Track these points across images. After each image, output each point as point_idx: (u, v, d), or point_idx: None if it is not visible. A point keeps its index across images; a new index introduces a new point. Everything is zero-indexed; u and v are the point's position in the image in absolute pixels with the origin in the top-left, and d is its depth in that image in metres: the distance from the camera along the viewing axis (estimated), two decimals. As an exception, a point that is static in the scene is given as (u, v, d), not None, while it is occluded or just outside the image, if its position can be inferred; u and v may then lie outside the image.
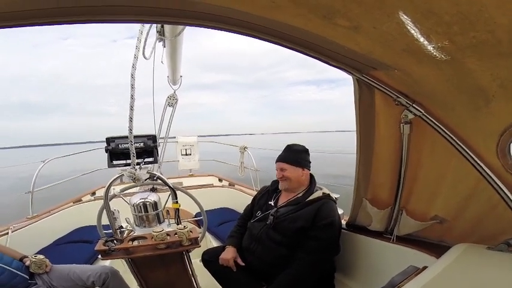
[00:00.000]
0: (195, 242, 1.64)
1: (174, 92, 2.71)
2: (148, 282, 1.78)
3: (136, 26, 1.57)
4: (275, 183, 1.94)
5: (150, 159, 2.02)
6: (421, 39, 0.81)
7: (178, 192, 1.81)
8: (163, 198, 1.83)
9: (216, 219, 3.11)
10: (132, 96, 1.48)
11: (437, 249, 1.44)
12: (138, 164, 1.71)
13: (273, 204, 1.86)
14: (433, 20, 0.73)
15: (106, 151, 1.90)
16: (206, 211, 1.94)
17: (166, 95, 2.76)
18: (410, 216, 1.58)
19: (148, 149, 1.98)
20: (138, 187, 2.30)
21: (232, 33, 1.05)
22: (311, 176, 1.86)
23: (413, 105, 1.22)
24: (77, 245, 2.67)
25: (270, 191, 1.97)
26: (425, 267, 1.27)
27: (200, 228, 2.38)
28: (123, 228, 1.75)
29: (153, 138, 2.01)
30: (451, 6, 0.67)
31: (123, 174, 1.73)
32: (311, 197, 1.72)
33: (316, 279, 1.64)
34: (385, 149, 1.48)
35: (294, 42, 1.08)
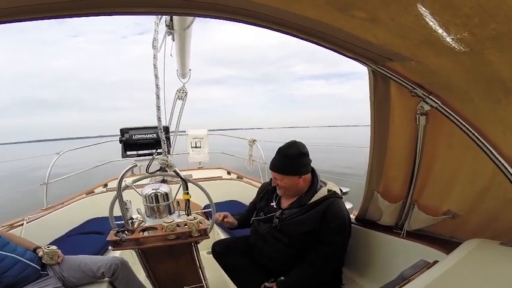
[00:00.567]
0: (204, 233, 1.66)
1: (184, 85, 2.73)
2: (156, 274, 1.80)
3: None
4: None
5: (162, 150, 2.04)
6: (440, 31, 0.79)
7: (188, 184, 1.83)
8: (173, 190, 1.85)
9: (224, 212, 3.11)
10: (157, 86, 1.50)
11: (448, 245, 1.42)
12: (168, 151, 1.72)
13: (275, 206, 1.80)
14: (451, 12, 0.71)
15: (120, 142, 1.92)
16: (215, 203, 1.96)
17: (175, 89, 2.78)
18: (422, 210, 1.55)
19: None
20: (149, 179, 2.33)
21: (246, 25, 1.04)
22: (313, 171, 1.73)
23: (430, 96, 1.20)
24: (89, 236, 2.72)
25: (269, 191, 1.89)
26: (436, 262, 1.25)
27: (208, 220, 2.40)
28: (133, 219, 1.79)
29: (166, 129, 2.03)
30: None
31: (135, 165, 1.76)
32: (315, 198, 1.63)
33: None
34: (400, 141, 1.46)
35: (309, 34, 1.06)
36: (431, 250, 1.47)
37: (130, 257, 2.33)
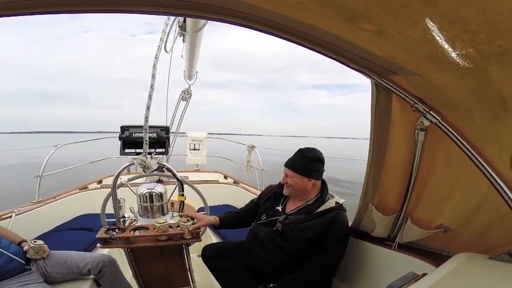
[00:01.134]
0: (196, 236, 1.64)
1: (189, 87, 2.75)
2: (143, 274, 1.77)
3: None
4: (282, 186, 1.81)
5: (161, 150, 2.04)
6: (446, 46, 0.80)
7: (184, 186, 1.82)
8: (169, 191, 1.84)
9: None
10: (151, 86, 1.51)
11: (438, 258, 1.44)
12: (149, 153, 1.73)
13: (280, 209, 1.79)
14: (459, 27, 0.72)
15: (119, 139, 1.92)
16: (209, 207, 1.95)
17: (179, 90, 2.80)
18: (415, 223, 1.56)
19: (161, 139, 2.00)
20: (145, 178, 2.31)
21: (253, 31, 1.05)
22: (323, 182, 1.77)
23: (431, 112, 1.21)
24: (78, 232, 2.67)
25: (276, 194, 1.88)
26: (425, 274, 1.27)
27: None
28: (126, 217, 1.77)
29: (166, 129, 2.03)
30: (478, 15, 0.66)
31: (133, 163, 1.75)
32: (323, 207, 1.65)
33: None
34: (398, 154, 1.47)
35: (315, 43, 1.08)
36: (421, 263, 1.48)
37: (118, 255, 2.29)
